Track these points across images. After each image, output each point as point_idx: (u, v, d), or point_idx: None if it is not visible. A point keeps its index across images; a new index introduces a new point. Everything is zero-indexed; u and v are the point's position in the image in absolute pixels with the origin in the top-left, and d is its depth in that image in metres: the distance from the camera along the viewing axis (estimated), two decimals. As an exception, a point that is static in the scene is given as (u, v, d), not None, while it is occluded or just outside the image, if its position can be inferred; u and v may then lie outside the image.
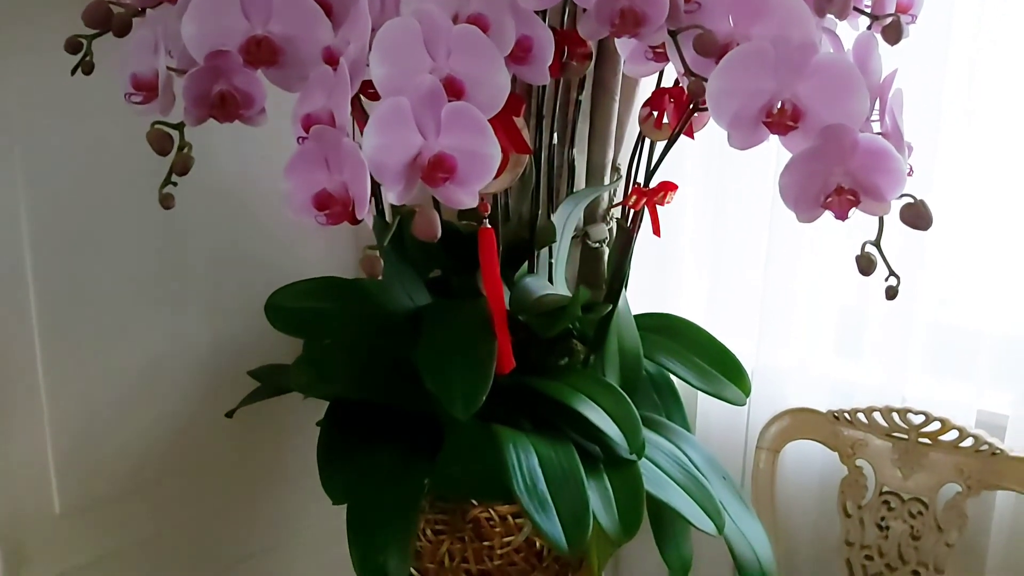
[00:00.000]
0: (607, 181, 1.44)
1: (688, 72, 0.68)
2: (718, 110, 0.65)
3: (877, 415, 1.21)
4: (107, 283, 1.08)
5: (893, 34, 0.66)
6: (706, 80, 0.66)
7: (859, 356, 1.30)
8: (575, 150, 1.37)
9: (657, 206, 0.95)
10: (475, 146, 0.63)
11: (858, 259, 0.61)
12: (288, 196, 0.59)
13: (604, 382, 0.94)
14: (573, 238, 1.39)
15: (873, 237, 0.62)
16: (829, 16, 0.69)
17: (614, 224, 1.47)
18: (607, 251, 1.46)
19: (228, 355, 1.20)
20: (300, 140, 0.61)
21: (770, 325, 1.32)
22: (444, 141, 0.62)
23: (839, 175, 0.60)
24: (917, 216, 0.61)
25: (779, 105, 0.64)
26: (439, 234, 0.60)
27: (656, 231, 0.96)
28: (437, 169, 0.61)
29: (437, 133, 0.62)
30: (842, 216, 0.61)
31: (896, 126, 0.64)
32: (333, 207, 0.58)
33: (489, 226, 0.91)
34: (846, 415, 1.23)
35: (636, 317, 1.10)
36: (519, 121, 0.90)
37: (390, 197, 0.60)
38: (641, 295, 1.23)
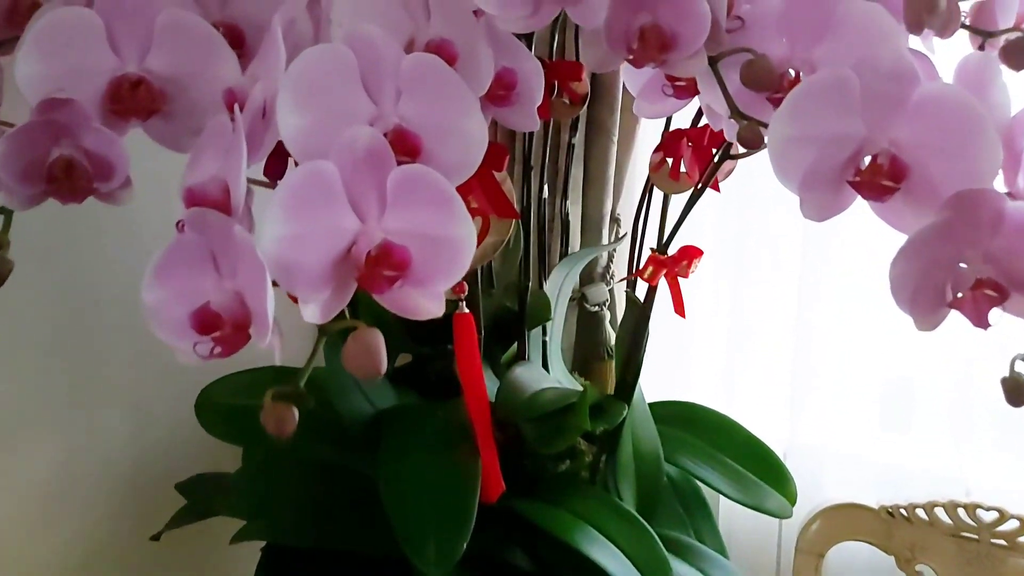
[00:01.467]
0: (605, 235, 1.25)
1: (737, 113, 0.49)
2: (785, 166, 0.46)
3: (940, 511, 1.01)
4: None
5: (1017, 56, 0.47)
6: (764, 125, 0.47)
7: (910, 435, 1.11)
8: (568, 201, 1.18)
9: (679, 278, 0.75)
10: (438, 228, 0.43)
11: (1005, 383, 0.41)
12: (154, 312, 0.39)
13: (619, 507, 0.74)
14: (569, 301, 1.20)
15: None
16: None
17: (615, 284, 1.28)
18: (607, 315, 1.27)
19: (153, 464, 0.99)
20: (179, 227, 0.41)
21: (802, 402, 1.12)
22: (391, 224, 0.42)
23: (976, 262, 0.41)
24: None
25: (871, 158, 0.45)
26: (383, 368, 0.39)
27: (679, 310, 0.76)
28: (382, 265, 0.41)
29: (381, 212, 0.42)
30: (980, 321, 0.41)
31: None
32: (222, 329, 0.38)
33: (467, 311, 0.72)
34: (902, 511, 1.03)
35: (651, 406, 0.90)
36: (501, 176, 0.70)
37: (308, 314, 0.40)
38: (649, 374, 1.04)
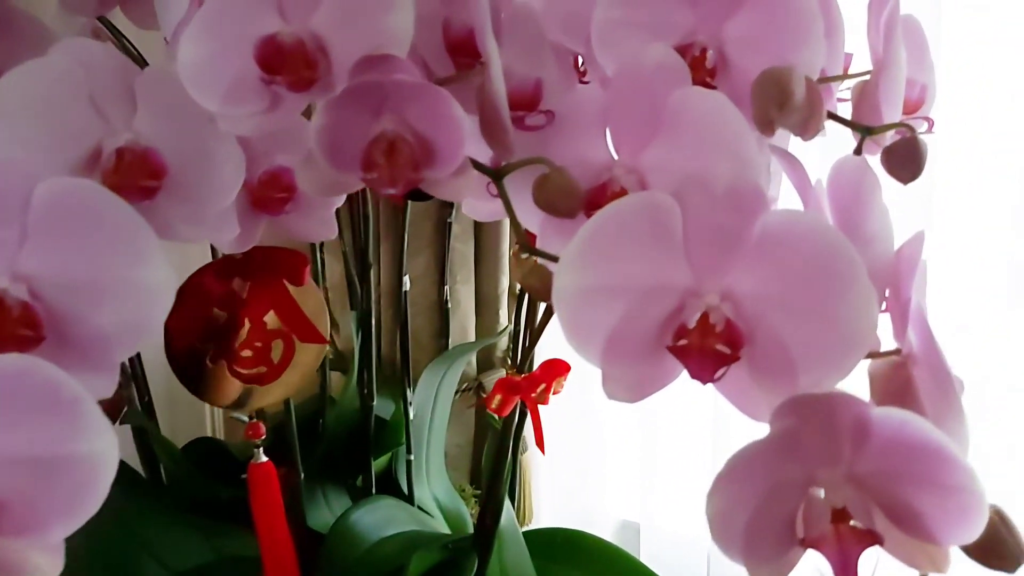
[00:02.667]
0: (504, 315, 1.11)
1: (523, 247, 0.35)
2: (579, 329, 0.32)
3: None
4: None
5: (903, 163, 0.35)
6: (555, 260, 0.33)
7: None
8: (457, 281, 1.05)
9: (539, 405, 0.62)
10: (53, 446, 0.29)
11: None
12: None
13: None
14: (464, 391, 1.06)
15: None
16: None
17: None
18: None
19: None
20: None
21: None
22: None
23: (836, 487, 0.28)
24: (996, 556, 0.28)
25: (700, 315, 0.32)
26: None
27: (540, 444, 0.62)
28: None
29: None
30: (848, 570, 0.28)
31: (933, 350, 0.32)
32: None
33: (265, 459, 0.57)
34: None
35: (530, 537, 0.76)
36: (304, 290, 0.56)
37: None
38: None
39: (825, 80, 0.41)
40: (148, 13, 0.60)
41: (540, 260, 0.34)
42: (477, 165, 0.36)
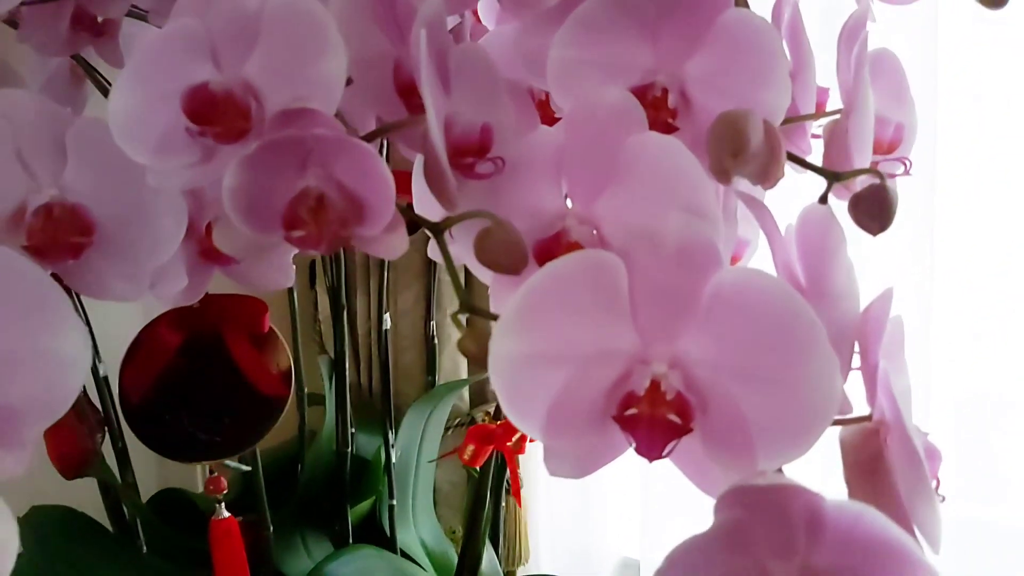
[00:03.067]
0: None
1: (462, 305, 0.33)
2: (517, 400, 0.30)
3: None
4: None
5: (872, 213, 0.32)
6: (493, 318, 0.31)
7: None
8: (447, 315, 1.02)
9: (517, 454, 0.59)
10: None
11: None
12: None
13: None
14: (457, 426, 1.03)
15: None
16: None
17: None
18: (504, 441, 1.10)
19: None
20: None
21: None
22: None
23: (789, 585, 0.25)
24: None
25: (649, 382, 0.29)
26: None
27: (516, 496, 0.60)
28: None
29: None
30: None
31: (900, 423, 0.29)
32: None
33: (227, 514, 0.55)
34: None
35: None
36: (266, 340, 0.54)
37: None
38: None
39: (794, 120, 0.39)
40: (116, 50, 0.59)
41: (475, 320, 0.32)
42: (417, 218, 0.34)
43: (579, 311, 0.29)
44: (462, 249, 0.38)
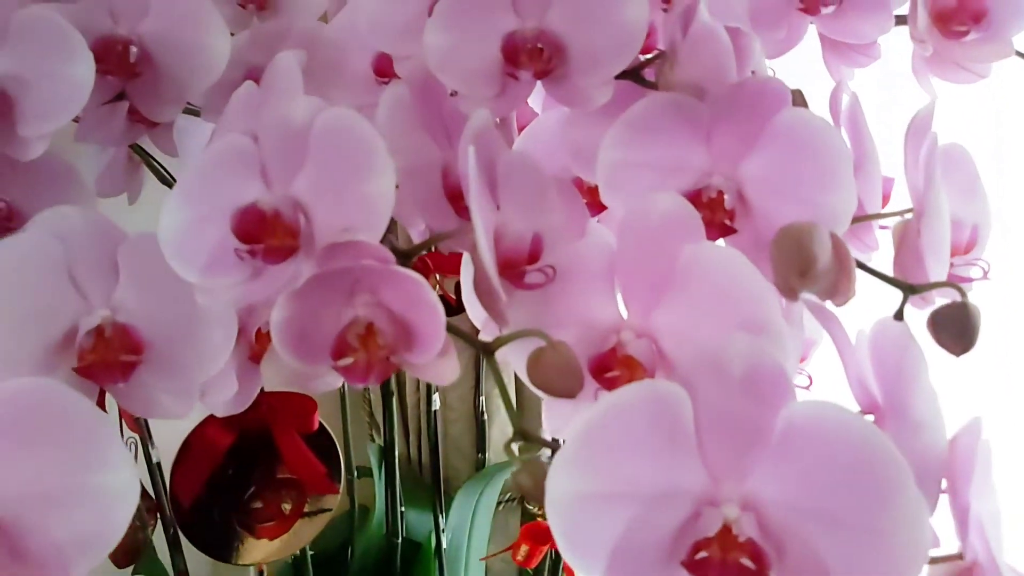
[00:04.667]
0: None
1: (516, 433, 0.31)
2: (577, 540, 0.28)
3: None
4: None
5: (951, 331, 0.30)
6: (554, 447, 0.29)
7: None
8: (493, 386, 1.01)
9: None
10: None
11: None
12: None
13: None
14: (507, 502, 1.01)
15: None
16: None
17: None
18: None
19: None
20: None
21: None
22: None
23: None
24: None
25: (721, 525, 0.27)
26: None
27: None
28: None
29: None
30: None
31: (993, 560, 0.26)
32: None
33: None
34: None
35: None
36: (315, 438, 0.54)
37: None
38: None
39: (861, 219, 0.37)
40: (170, 139, 0.60)
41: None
42: (466, 338, 0.33)
43: (642, 447, 0.28)
44: (514, 358, 0.37)
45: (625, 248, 0.36)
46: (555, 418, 0.36)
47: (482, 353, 0.33)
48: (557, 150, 0.48)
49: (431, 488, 0.80)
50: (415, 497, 0.80)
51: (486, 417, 0.92)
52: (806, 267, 0.29)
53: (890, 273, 0.35)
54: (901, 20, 0.46)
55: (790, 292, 0.30)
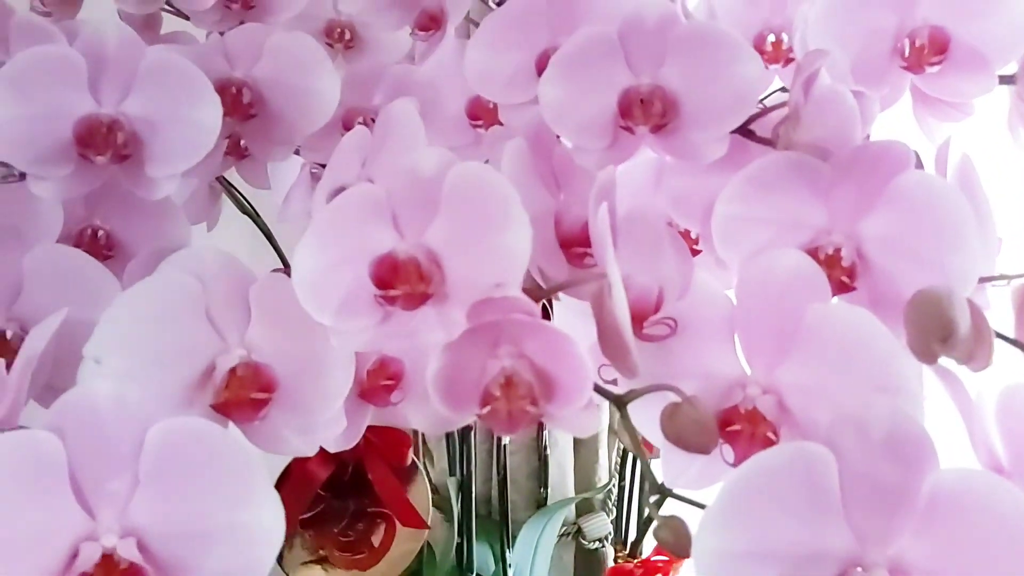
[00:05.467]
0: (603, 454, 1.07)
1: (654, 488, 0.32)
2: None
3: None
4: None
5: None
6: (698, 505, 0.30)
7: None
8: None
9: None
10: None
11: None
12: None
13: None
14: (563, 535, 1.01)
15: None
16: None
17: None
18: (611, 552, 1.07)
19: None
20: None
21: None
22: None
23: None
24: None
25: None
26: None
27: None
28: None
29: None
30: None
31: None
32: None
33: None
34: None
35: None
36: (407, 474, 0.55)
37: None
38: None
39: (984, 280, 0.38)
40: (260, 173, 0.62)
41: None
42: (599, 390, 0.34)
43: (791, 508, 0.28)
44: (632, 408, 0.37)
45: (749, 303, 0.37)
46: (672, 468, 0.37)
47: (615, 405, 0.34)
48: (651, 194, 0.49)
49: (489, 522, 0.81)
50: (477, 536, 0.80)
51: (548, 452, 0.93)
52: (947, 333, 0.30)
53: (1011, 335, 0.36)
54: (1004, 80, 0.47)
55: (930, 357, 0.31)
